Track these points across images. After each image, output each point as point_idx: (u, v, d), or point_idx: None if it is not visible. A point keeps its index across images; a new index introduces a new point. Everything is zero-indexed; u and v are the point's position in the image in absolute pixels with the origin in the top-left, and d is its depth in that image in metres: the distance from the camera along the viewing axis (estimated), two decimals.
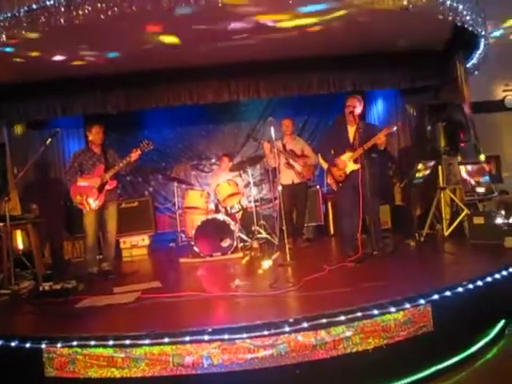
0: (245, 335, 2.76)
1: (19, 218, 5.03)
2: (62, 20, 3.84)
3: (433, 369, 3.01)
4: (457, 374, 3.06)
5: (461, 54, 6.33)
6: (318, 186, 7.02)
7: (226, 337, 2.75)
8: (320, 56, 6.43)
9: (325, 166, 5.22)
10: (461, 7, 4.78)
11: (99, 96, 6.67)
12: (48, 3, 3.84)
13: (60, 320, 3.42)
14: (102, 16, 3.81)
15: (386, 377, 2.90)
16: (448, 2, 4.59)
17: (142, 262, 6.38)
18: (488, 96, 8.30)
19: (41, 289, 4.07)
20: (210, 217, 5.76)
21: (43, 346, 2.86)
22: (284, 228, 5.00)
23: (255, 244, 5.89)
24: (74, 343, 2.82)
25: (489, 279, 3.51)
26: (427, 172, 5.70)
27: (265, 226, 6.40)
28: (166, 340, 2.76)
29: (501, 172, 6.80)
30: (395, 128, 4.74)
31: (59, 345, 2.84)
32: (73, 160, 5.15)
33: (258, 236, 6.16)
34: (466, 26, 5.10)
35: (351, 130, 4.80)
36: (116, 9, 3.74)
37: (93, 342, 2.81)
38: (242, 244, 5.94)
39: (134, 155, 5.02)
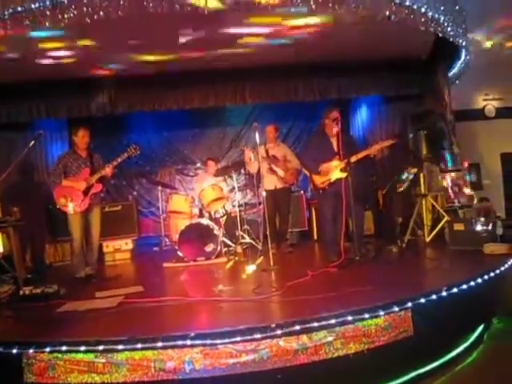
0: (227, 340, 2.76)
1: (0, 220, 4.95)
2: (47, 23, 3.82)
3: (413, 373, 3.06)
4: (437, 379, 3.10)
5: (443, 63, 6.46)
6: (301, 192, 7.07)
7: (209, 342, 2.75)
8: (306, 63, 6.50)
9: (307, 172, 5.26)
10: (442, 18, 4.89)
11: (84, 99, 6.63)
12: (33, 6, 3.82)
13: (40, 325, 3.37)
14: (88, 20, 3.81)
15: (367, 382, 2.93)
16: (429, 14, 4.69)
17: (125, 266, 6.33)
18: (469, 105, 8.49)
19: (21, 293, 4.03)
20: (193, 221, 5.76)
21: (22, 351, 2.82)
22: (268, 233, 5.02)
23: (239, 249, 5.90)
24: (55, 348, 2.79)
25: (468, 285, 3.57)
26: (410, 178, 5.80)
27: (249, 231, 6.41)
28: (148, 345, 2.75)
29: (481, 179, 6.94)
30: (391, 142, 4.78)
31: (39, 350, 2.80)
32: (57, 162, 5.11)
33: (242, 241, 6.17)
34: (447, 36, 5.22)
35: (334, 139, 4.85)
36: (102, 13, 3.74)
37: (73, 347, 2.78)
38: (225, 249, 5.95)
39: (108, 170, 5.02)
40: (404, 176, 5.58)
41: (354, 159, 4.65)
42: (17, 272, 4.89)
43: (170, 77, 6.54)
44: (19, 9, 3.83)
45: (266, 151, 5.98)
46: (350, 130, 8.22)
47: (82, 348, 2.78)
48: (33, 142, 5.00)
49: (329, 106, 5.17)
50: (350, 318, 2.94)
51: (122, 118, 7.84)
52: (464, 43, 5.76)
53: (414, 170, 5.70)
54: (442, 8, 4.92)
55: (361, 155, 4.67)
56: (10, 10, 3.83)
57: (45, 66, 5.62)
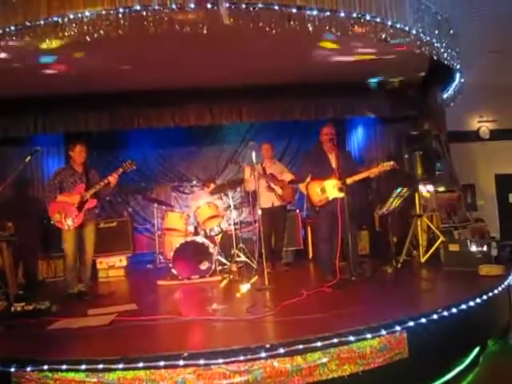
0: (220, 360, 2.73)
1: None
2: (47, 40, 3.87)
3: None
4: None
5: (438, 85, 6.56)
6: (297, 211, 7.07)
7: (202, 362, 2.72)
8: (302, 83, 6.57)
9: (304, 190, 5.27)
10: (436, 42, 4.98)
11: (81, 114, 6.66)
12: (35, 23, 3.86)
13: (31, 342, 3.31)
14: (88, 38, 3.86)
15: None
16: (424, 37, 4.78)
17: (119, 283, 6.26)
18: (463, 126, 8.59)
19: (13, 309, 3.97)
20: (188, 239, 5.72)
21: (12, 369, 2.77)
22: (263, 252, 4.99)
23: (234, 267, 5.87)
24: (45, 367, 2.75)
25: (463, 306, 3.56)
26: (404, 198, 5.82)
27: (244, 250, 6.38)
28: (140, 365, 2.71)
29: (476, 200, 6.98)
30: (391, 167, 4.79)
31: (29, 369, 2.75)
32: (54, 177, 5.09)
33: (237, 259, 6.14)
34: (441, 59, 5.31)
35: (331, 157, 4.89)
36: (102, 31, 3.79)
37: (64, 366, 2.74)
38: (220, 267, 5.90)
39: (112, 178, 5.01)
40: (398, 191, 5.58)
41: (350, 181, 4.67)
42: (9, 288, 4.84)
43: (167, 95, 6.59)
44: (20, 26, 3.89)
45: (263, 169, 6.00)
46: (345, 148, 8.27)
47: (73, 367, 2.73)
48: (29, 157, 4.99)
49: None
50: (344, 339, 2.92)
51: (118, 134, 7.85)
52: (458, 66, 5.86)
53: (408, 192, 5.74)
54: (437, 32, 5.02)
55: (358, 178, 4.70)
56: (12, 28, 3.89)
57: (43, 80, 5.65)
